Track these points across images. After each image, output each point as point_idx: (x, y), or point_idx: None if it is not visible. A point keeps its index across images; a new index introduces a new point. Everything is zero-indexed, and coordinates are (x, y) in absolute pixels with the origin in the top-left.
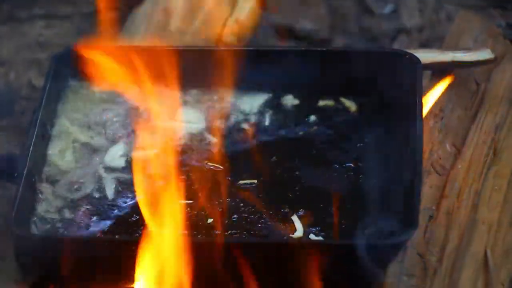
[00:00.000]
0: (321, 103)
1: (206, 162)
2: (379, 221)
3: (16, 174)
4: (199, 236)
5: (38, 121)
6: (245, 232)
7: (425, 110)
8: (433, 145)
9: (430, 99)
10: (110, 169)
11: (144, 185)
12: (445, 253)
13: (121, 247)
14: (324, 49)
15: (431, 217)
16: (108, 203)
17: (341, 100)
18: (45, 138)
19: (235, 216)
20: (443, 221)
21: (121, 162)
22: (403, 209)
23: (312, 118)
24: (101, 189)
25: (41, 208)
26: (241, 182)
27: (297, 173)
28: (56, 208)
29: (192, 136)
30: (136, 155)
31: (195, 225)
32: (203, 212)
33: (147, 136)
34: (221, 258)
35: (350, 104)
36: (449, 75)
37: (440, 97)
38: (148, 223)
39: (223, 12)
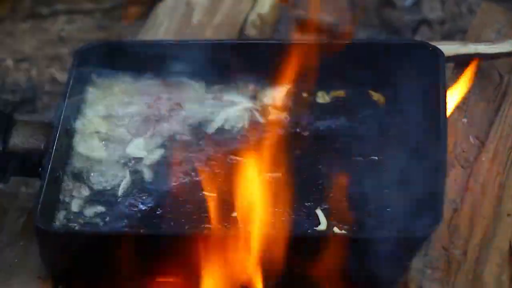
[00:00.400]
0: (345, 95)
1: (230, 155)
2: (403, 214)
3: (40, 170)
4: (224, 230)
5: (61, 116)
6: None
7: (450, 105)
8: (456, 138)
9: (455, 93)
10: (133, 163)
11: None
12: (469, 246)
13: (148, 241)
14: (348, 42)
15: (455, 210)
16: (132, 196)
17: (370, 92)
18: (68, 133)
19: (259, 210)
20: (467, 214)
21: (142, 155)
22: (428, 202)
23: (337, 111)
24: (124, 182)
25: (66, 204)
26: (265, 175)
27: (320, 166)
28: (81, 203)
29: (216, 130)
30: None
31: (219, 219)
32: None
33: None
34: (244, 251)
35: (379, 97)
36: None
37: (465, 90)
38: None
39: (245, 6)
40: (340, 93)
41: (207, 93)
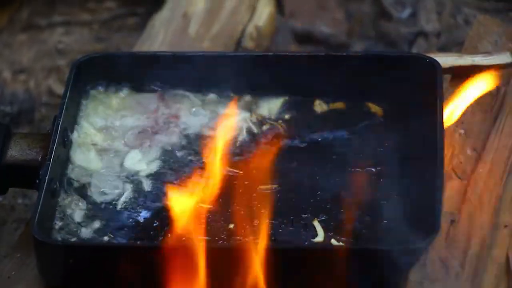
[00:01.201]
0: (340, 107)
1: (227, 167)
2: (400, 226)
3: (37, 181)
4: (220, 242)
5: (59, 128)
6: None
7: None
8: (453, 149)
9: (452, 105)
10: (130, 175)
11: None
12: (467, 257)
13: (145, 253)
14: (344, 53)
15: (452, 221)
16: (130, 208)
17: (368, 104)
18: (66, 145)
19: (256, 221)
20: (464, 225)
21: (140, 167)
22: (425, 214)
23: (334, 122)
24: (122, 194)
25: (63, 215)
26: (262, 187)
27: (317, 177)
28: (78, 214)
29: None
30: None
31: (216, 231)
32: (223, 217)
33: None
34: (242, 264)
35: (377, 109)
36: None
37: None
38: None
39: (242, 17)
40: (339, 105)
41: (203, 104)
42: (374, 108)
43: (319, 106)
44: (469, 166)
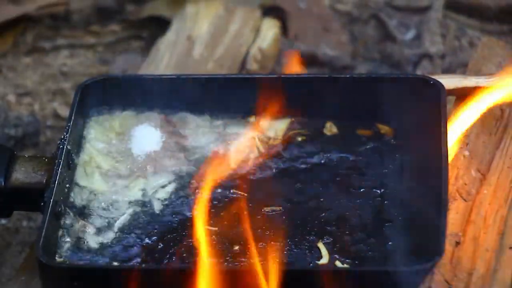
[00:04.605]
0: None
1: (231, 189)
2: (404, 247)
3: (42, 204)
4: (225, 264)
5: (63, 151)
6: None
7: (451, 137)
8: (458, 171)
9: (456, 126)
10: (134, 198)
11: None
12: (472, 279)
13: (150, 275)
14: (348, 75)
15: (457, 243)
16: (135, 230)
17: (377, 125)
18: (70, 167)
19: (261, 243)
20: (469, 247)
21: (144, 190)
22: (429, 235)
23: (337, 143)
24: (127, 217)
25: (68, 238)
26: (266, 209)
27: (322, 199)
28: (83, 237)
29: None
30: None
31: (221, 253)
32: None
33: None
34: (247, 285)
35: (387, 130)
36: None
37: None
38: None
39: (246, 39)
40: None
41: (208, 126)
42: (384, 129)
43: (329, 129)
44: (474, 187)
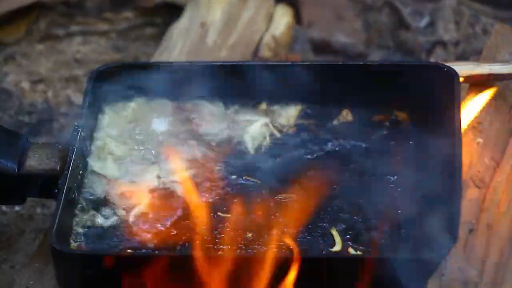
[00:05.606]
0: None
1: (244, 176)
2: (418, 235)
3: (56, 191)
4: (238, 251)
5: (77, 138)
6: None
7: (464, 123)
8: (472, 158)
9: (470, 113)
10: (148, 184)
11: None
12: (486, 266)
13: (163, 262)
14: (362, 63)
15: (471, 230)
16: (149, 217)
17: (394, 112)
18: (84, 154)
19: (274, 230)
20: (483, 234)
21: (158, 177)
22: (443, 223)
23: (351, 130)
24: (142, 204)
25: (81, 224)
26: (280, 196)
27: (335, 186)
28: (97, 223)
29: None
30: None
31: (234, 240)
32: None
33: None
34: (260, 273)
35: (403, 117)
36: (488, 88)
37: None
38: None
39: (260, 26)
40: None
41: (222, 113)
42: (401, 116)
43: (344, 116)
44: (488, 175)
